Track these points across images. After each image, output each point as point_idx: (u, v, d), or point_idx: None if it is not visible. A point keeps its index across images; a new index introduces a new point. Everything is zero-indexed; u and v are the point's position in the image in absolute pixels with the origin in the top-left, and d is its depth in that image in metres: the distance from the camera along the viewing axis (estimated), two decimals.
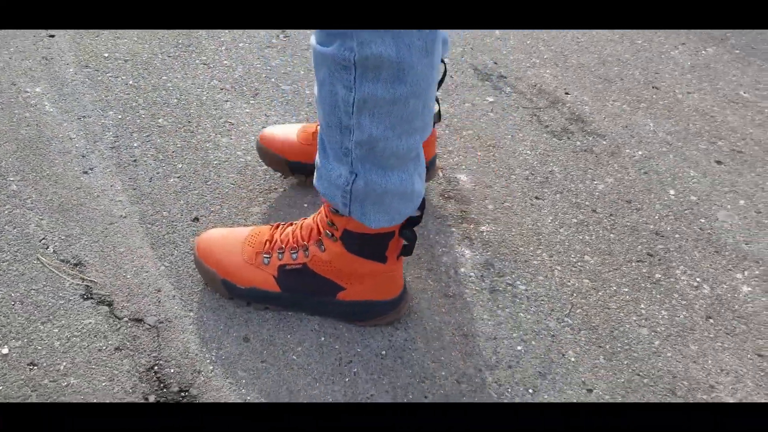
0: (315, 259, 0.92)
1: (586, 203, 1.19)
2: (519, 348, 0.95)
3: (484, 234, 1.11)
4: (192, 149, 1.23)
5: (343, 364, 0.91)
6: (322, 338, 0.94)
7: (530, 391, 0.90)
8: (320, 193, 0.87)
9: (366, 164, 0.81)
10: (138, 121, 1.28)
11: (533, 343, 0.96)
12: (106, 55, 1.44)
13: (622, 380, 0.92)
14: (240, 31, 1.55)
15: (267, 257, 0.93)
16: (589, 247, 1.11)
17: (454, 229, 1.12)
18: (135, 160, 1.19)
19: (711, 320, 1.01)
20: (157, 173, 1.17)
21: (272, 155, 1.13)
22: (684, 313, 1.01)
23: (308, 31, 1.57)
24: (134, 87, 1.36)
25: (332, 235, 0.90)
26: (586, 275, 1.06)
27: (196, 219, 1.10)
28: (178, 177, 1.17)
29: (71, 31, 1.49)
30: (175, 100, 1.33)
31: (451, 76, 1.48)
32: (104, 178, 1.15)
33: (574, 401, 0.89)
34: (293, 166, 1.13)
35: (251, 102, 1.35)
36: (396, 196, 0.84)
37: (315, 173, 0.88)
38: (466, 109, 1.39)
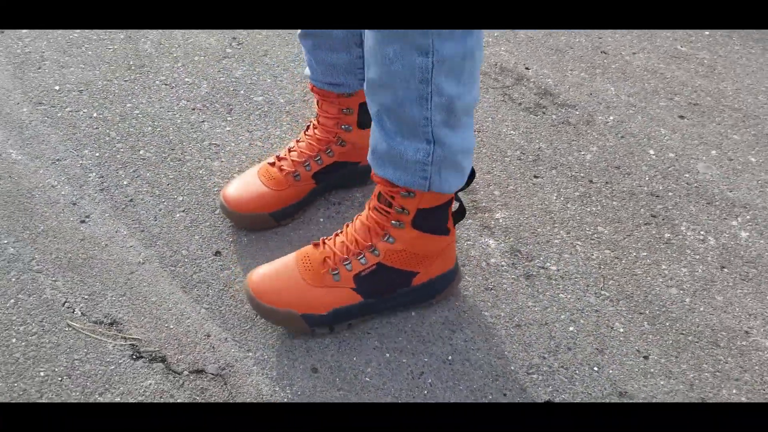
0: (387, 254, 0.89)
1: (581, 175, 1.21)
2: (571, 329, 0.96)
3: (501, 221, 1.11)
4: (186, 178, 1.13)
5: (416, 377, 0.88)
6: (387, 354, 0.90)
7: (595, 369, 0.91)
8: (389, 181, 0.85)
9: (444, 129, 0.81)
10: (118, 156, 1.16)
11: (581, 321, 0.97)
12: (57, 88, 1.29)
13: (670, 342, 0.95)
14: (190, 44, 1.44)
15: (336, 273, 0.89)
16: (598, 217, 1.13)
17: (471, 221, 1.11)
18: (131, 200, 1.08)
19: (725, 269, 1.06)
20: (159, 210, 1.07)
21: (251, 217, 1.02)
22: (701, 267, 1.06)
23: (260, 37, 1.48)
24: (101, 119, 1.23)
25: (400, 222, 0.88)
26: (605, 246, 1.08)
27: (218, 253, 1.02)
28: (183, 211, 1.07)
29: (9, 66, 1.32)
30: (150, 128, 1.22)
31: None
32: (105, 224, 1.04)
33: (633, 370, 0.91)
34: (277, 215, 1.04)
35: (228, 119, 1.26)
36: (467, 153, 0.86)
37: (377, 165, 0.86)
38: None
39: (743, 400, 0.88)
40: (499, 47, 1.53)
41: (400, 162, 0.83)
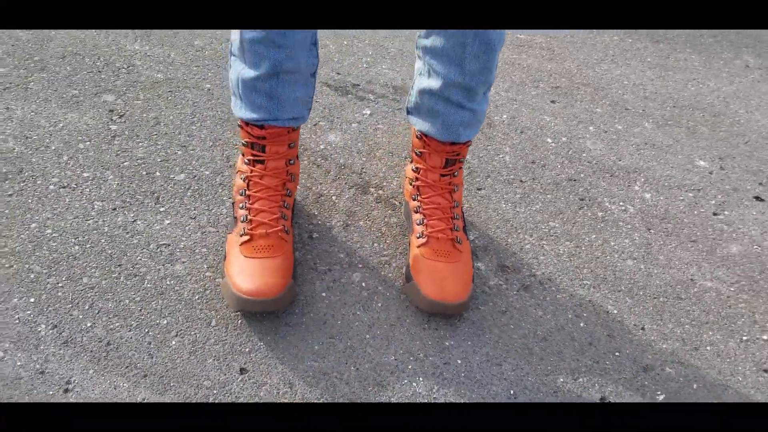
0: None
1: (512, 177, 1.26)
2: (582, 324, 1.02)
3: (475, 242, 1.11)
4: (156, 295, 0.94)
5: None
6: (434, 393, 0.88)
7: (616, 354, 0.98)
8: (461, 142, 0.99)
9: None
10: (60, 294, 0.92)
11: (585, 315, 1.03)
12: None
13: (650, 308, 1.05)
14: (63, 131, 1.16)
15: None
16: (544, 213, 1.19)
17: None
18: (108, 343, 0.87)
19: (651, 230, 1.20)
20: (149, 344, 0.88)
21: (283, 296, 0.90)
22: (636, 234, 1.18)
23: (139, 102, 1.26)
24: (10, 255, 0.95)
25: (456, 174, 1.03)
26: (563, 238, 1.15)
27: (243, 370, 0.87)
28: (176, 335, 0.90)
29: None
30: (77, 248, 0.98)
31: (317, 100, 1.35)
32: (95, 383, 0.82)
33: (641, 343, 1.00)
34: (294, 276, 0.95)
35: (161, 210, 1.06)
36: None
37: (462, 125, 0.96)
38: (357, 130, 1.30)
39: (718, 338, 1.02)
40: (380, 66, 1.49)
41: (479, 118, 0.98)
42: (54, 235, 0.99)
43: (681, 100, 1.55)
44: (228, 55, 0.94)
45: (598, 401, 0.91)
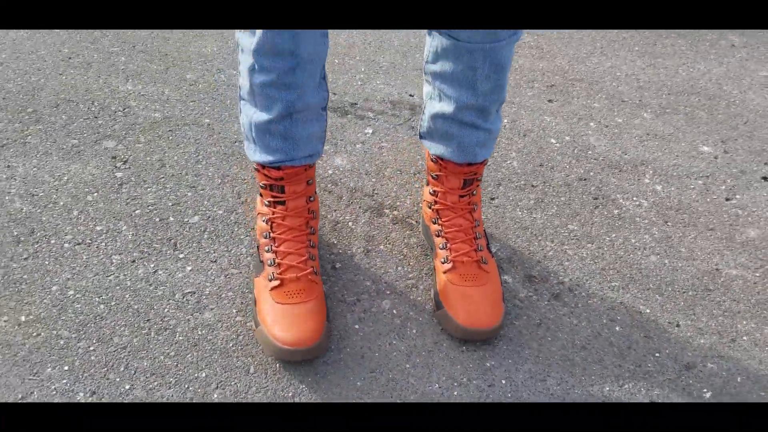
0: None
1: (522, 183, 1.24)
2: (618, 329, 1.00)
3: (499, 254, 1.10)
4: (190, 348, 0.91)
5: None
6: None
7: (656, 354, 0.97)
8: (478, 162, 0.97)
9: None
10: (93, 357, 0.88)
11: (619, 318, 1.02)
12: None
13: (681, 304, 1.04)
14: (69, 183, 1.12)
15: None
16: (561, 217, 1.18)
17: None
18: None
19: (669, 223, 1.19)
20: (191, 400, 0.85)
21: (321, 343, 0.87)
22: (654, 229, 1.17)
23: (141, 146, 1.22)
24: (35, 322, 0.91)
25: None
26: (584, 241, 1.14)
27: None
28: (216, 386, 0.86)
29: None
30: (102, 307, 0.94)
31: None
32: None
33: (679, 341, 0.99)
34: (328, 317, 0.93)
35: (180, 257, 1.03)
36: None
37: (478, 146, 0.94)
38: (362, 151, 1.28)
39: (753, 327, 1.02)
40: (374, 81, 1.46)
41: (494, 136, 0.97)
42: (77, 296, 0.95)
43: (675, 87, 1.54)
44: (237, 100, 0.91)
45: (646, 402, 0.89)
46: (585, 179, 1.26)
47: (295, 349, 0.84)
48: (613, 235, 1.15)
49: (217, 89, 1.39)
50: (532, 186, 1.23)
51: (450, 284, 0.94)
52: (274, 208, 0.93)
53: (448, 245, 0.97)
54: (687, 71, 1.60)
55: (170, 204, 1.11)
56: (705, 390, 0.92)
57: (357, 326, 0.96)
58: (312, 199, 0.95)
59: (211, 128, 1.29)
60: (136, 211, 1.09)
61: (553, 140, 1.35)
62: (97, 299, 0.95)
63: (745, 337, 0.99)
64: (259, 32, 0.78)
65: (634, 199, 1.23)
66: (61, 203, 1.09)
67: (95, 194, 1.12)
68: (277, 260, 0.91)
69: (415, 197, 1.18)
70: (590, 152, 1.33)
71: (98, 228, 1.06)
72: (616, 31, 1.74)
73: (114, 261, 1.01)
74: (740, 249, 1.14)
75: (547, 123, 1.39)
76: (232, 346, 0.92)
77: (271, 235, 0.92)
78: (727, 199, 1.24)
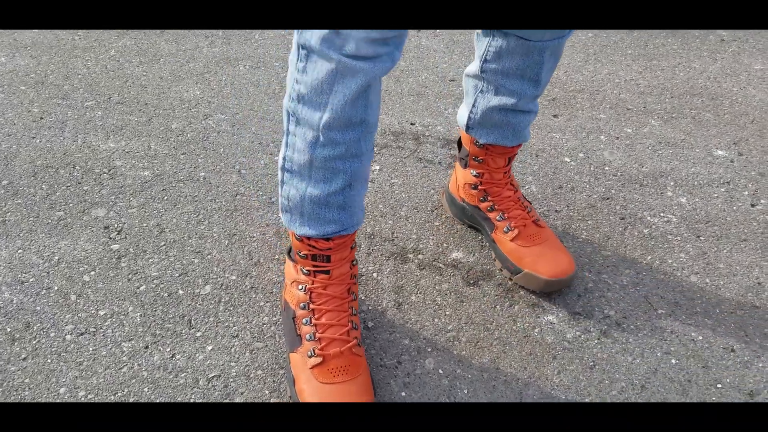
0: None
1: (546, 209, 1.18)
2: (673, 362, 0.94)
3: (535, 291, 1.03)
4: None
5: None
6: None
7: (718, 385, 0.91)
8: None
9: None
10: None
11: (673, 349, 0.96)
12: None
13: (731, 324, 0.99)
14: (63, 261, 1.01)
15: None
16: (593, 243, 1.11)
17: (517, 307, 1.00)
18: None
19: (701, 237, 1.14)
20: None
21: None
22: (688, 246, 1.12)
23: (133, 211, 1.11)
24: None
25: None
26: (622, 266, 1.08)
27: None
28: None
29: None
30: (134, 397, 0.84)
31: None
32: None
33: (737, 369, 0.94)
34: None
35: (198, 335, 0.93)
36: None
37: (528, 127, 0.99)
38: (373, 190, 1.19)
39: None
40: None
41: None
42: (89, 396, 0.85)
43: (676, 89, 1.51)
44: (279, 171, 0.81)
45: None
46: (608, 198, 1.20)
47: None
48: (649, 257, 1.09)
49: (207, 137, 1.30)
50: (556, 211, 1.17)
51: (521, 248, 1.00)
52: (315, 277, 0.85)
53: (506, 215, 1.03)
54: (684, 71, 1.57)
55: (177, 275, 1.01)
56: None
57: (404, 393, 0.88)
58: (355, 263, 0.88)
59: (207, 182, 1.19)
60: (141, 288, 0.99)
61: (567, 159, 1.29)
62: (112, 398, 0.85)
63: None
64: (331, 107, 0.71)
65: (662, 215, 1.17)
66: (56, 288, 0.98)
67: (92, 273, 1.01)
68: (317, 334, 0.83)
69: (438, 237, 1.11)
70: (607, 168, 1.27)
71: (101, 312, 0.95)
72: (605, 34, 1.70)
73: (125, 349, 0.91)
74: None
75: (557, 141, 1.33)
76: None
77: (311, 306, 0.84)
78: (753, 205, 1.20)
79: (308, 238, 0.83)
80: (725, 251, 1.11)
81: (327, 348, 0.81)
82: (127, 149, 1.26)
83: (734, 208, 1.19)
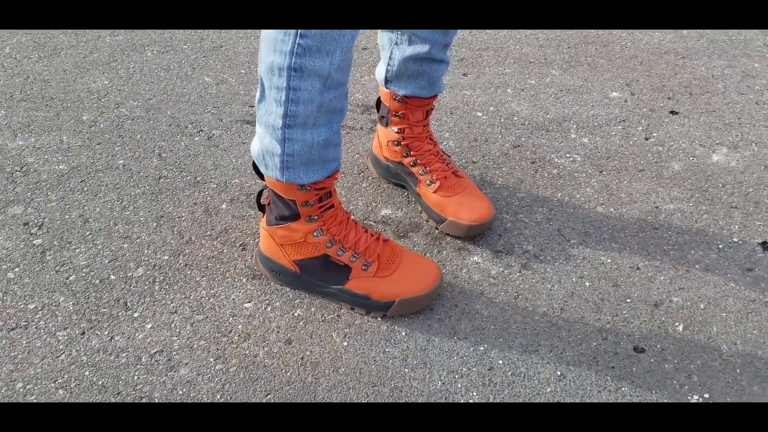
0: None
1: (464, 161, 1.24)
2: (587, 284, 1.03)
3: (458, 237, 1.09)
4: None
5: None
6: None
7: (647, 303, 1.01)
8: (441, 92, 1.09)
9: None
10: None
11: (592, 274, 1.04)
12: None
13: (635, 246, 1.09)
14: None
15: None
16: (508, 187, 1.19)
17: (446, 251, 1.06)
18: None
19: (604, 172, 1.23)
20: None
21: None
22: (593, 180, 1.21)
23: (54, 202, 1.09)
24: None
25: None
26: (535, 206, 1.15)
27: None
28: None
29: None
30: (62, 391, 0.84)
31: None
32: None
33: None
34: None
35: (136, 315, 0.93)
36: None
37: (442, 77, 1.06)
38: None
39: (701, 254, 1.08)
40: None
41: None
42: (28, 386, 0.84)
43: (571, 40, 1.60)
44: (278, 132, 0.83)
45: (633, 352, 0.93)
46: (518, 145, 1.28)
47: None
48: (559, 195, 1.18)
49: (121, 125, 1.28)
50: (473, 162, 1.24)
51: (444, 198, 1.07)
52: (324, 215, 0.93)
53: (428, 168, 1.09)
54: None
55: (107, 261, 1.01)
56: (677, 324, 0.96)
57: (346, 343, 0.92)
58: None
59: (128, 169, 1.18)
60: (71, 278, 0.98)
61: (479, 113, 1.36)
62: (53, 385, 0.85)
63: (696, 266, 1.06)
64: (339, 52, 0.78)
65: (567, 155, 1.26)
66: None
67: (16, 270, 0.99)
68: (358, 251, 0.94)
69: (366, 197, 1.15)
70: (516, 118, 1.35)
71: (31, 306, 0.94)
72: None
73: (60, 338, 0.90)
74: (670, 184, 1.21)
75: (468, 97, 1.40)
76: (220, 398, 0.85)
77: (336, 238, 0.94)
78: (646, 139, 1.31)
79: (315, 182, 0.88)
80: (625, 182, 1.21)
81: (370, 253, 0.94)
82: (38, 145, 1.22)
83: (630, 143, 1.30)
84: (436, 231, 1.09)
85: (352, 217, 1.02)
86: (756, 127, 1.33)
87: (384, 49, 1.04)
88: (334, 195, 0.93)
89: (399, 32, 1.01)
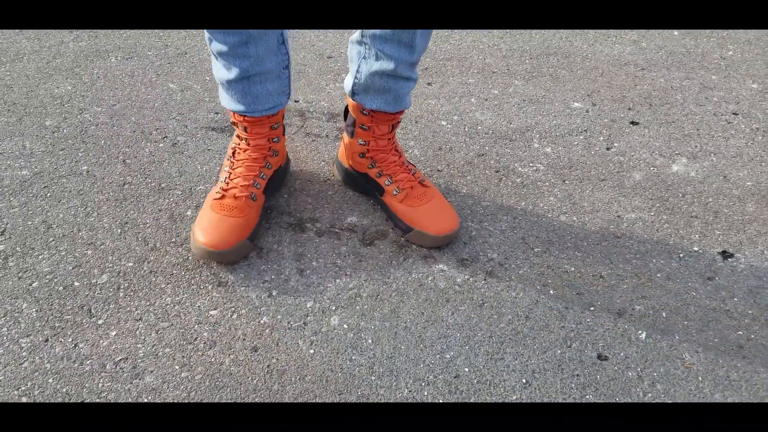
0: None
1: (429, 169, 1.26)
2: (552, 292, 1.06)
3: (422, 246, 1.11)
4: None
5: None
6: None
7: (610, 311, 1.04)
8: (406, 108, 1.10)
9: None
10: None
11: (556, 282, 1.07)
12: None
13: (598, 255, 1.13)
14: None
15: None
16: (473, 196, 1.21)
17: (414, 259, 1.08)
18: None
19: (566, 181, 1.27)
20: None
21: (234, 250, 1.03)
22: (555, 190, 1.24)
23: (16, 208, 1.07)
24: None
25: None
26: (500, 214, 1.18)
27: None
28: None
29: None
30: (25, 399, 0.83)
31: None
32: None
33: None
34: (251, 238, 1.07)
35: (100, 322, 0.92)
36: None
37: (408, 94, 1.07)
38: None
39: (662, 263, 1.12)
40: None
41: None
42: None
43: (534, 51, 1.64)
44: (210, 54, 1.01)
45: (597, 360, 0.96)
46: (483, 154, 1.31)
47: (204, 250, 0.99)
48: (523, 203, 1.21)
49: (85, 131, 1.26)
50: (438, 171, 1.26)
51: (410, 208, 1.10)
52: (240, 140, 1.08)
53: (393, 179, 1.12)
54: (539, 34, 1.71)
55: (70, 268, 1.00)
56: (640, 332, 1.00)
57: (312, 351, 0.93)
58: (276, 140, 1.08)
59: (92, 175, 1.16)
60: (33, 284, 0.97)
61: (443, 122, 1.38)
62: (16, 393, 0.84)
63: (658, 275, 1.09)
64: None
65: (531, 164, 1.30)
66: None
67: None
68: (228, 180, 1.05)
69: (332, 205, 1.16)
70: (479, 127, 1.38)
71: None
72: None
73: (23, 345, 0.89)
74: (632, 193, 1.25)
75: (433, 106, 1.42)
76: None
77: (232, 159, 1.08)
78: (608, 149, 1.35)
79: (232, 111, 1.04)
80: (588, 191, 1.25)
81: (229, 191, 1.04)
82: (0, 150, 1.20)
83: (592, 152, 1.34)
84: (403, 239, 1.11)
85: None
86: (714, 138, 1.39)
87: (352, 62, 1.05)
88: (255, 138, 1.06)
89: (367, 46, 1.01)
